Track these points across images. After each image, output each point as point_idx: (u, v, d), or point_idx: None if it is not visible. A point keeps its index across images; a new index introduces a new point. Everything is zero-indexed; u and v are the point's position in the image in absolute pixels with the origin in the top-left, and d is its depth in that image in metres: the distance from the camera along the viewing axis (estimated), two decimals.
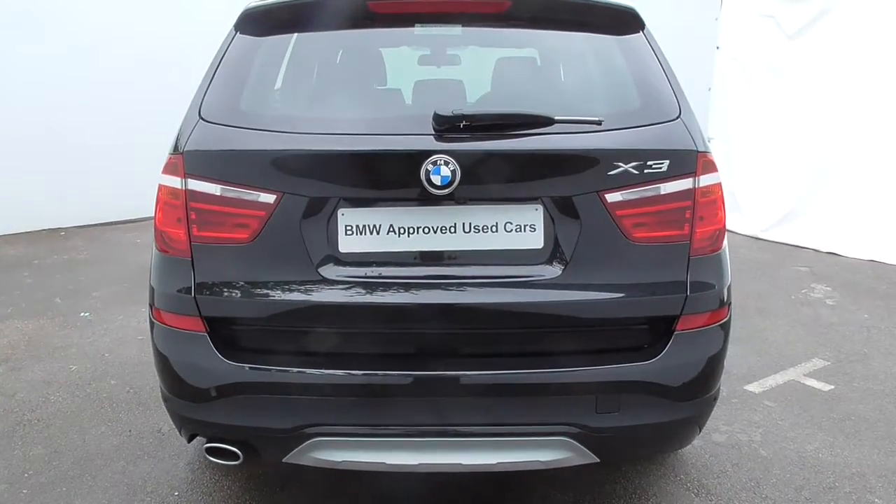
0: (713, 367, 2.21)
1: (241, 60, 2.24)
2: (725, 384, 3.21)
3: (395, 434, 2.15)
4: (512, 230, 2.08)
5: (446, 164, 1.97)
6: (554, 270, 2.08)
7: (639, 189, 2.06)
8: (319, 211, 2.06)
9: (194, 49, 3.86)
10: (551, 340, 2.15)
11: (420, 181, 1.98)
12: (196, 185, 2.06)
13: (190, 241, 2.08)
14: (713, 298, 2.18)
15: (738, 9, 7.01)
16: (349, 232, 2.07)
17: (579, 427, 2.09)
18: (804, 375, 3.80)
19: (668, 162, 2.06)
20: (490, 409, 2.13)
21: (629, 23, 2.32)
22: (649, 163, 2.05)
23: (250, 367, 2.08)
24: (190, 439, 2.40)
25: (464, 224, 2.08)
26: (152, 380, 2.66)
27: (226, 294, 2.10)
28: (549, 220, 2.08)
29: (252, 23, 2.29)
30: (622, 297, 2.10)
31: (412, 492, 2.67)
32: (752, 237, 6.83)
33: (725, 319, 2.22)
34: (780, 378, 3.76)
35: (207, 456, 2.25)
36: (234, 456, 2.18)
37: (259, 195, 2.04)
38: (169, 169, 2.11)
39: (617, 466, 2.85)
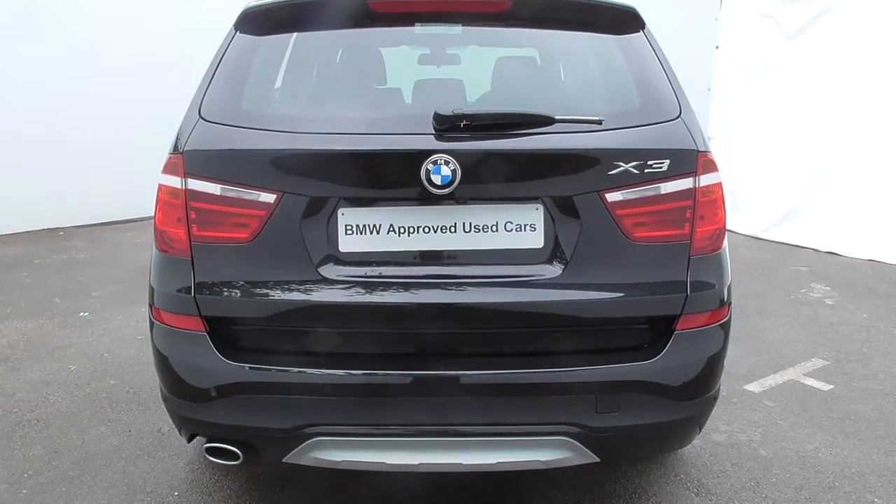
0: (713, 366, 2.21)
1: (241, 60, 2.24)
2: (725, 384, 3.21)
3: (395, 434, 2.15)
4: (512, 230, 2.08)
5: (446, 163, 1.97)
6: (554, 270, 2.08)
7: (639, 189, 2.06)
8: (319, 210, 2.06)
9: (194, 49, 3.85)
10: (551, 340, 2.15)
11: (420, 181, 1.98)
12: (196, 184, 2.05)
13: (190, 241, 2.08)
14: (713, 298, 2.18)
15: (738, 9, 7.01)
16: (349, 231, 2.07)
17: (579, 427, 2.09)
18: (804, 375, 3.80)
19: (668, 161, 2.06)
20: (490, 409, 2.13)
21: (629, 22, 2.32)
22: (649, 162, 2.05)
23: (250, 367, 2.08)
24: (190, 439, 2.40)
25: (464, 224, 2.07)
26: (152, 380, 2.66)
27: (226, 294, 2.10)
28: (550, 220, 2.08)
29: (252, 22, 2.29)
30: (622, 296, 2.10)
31: (412, 492, 2.67)
32: (751, 237, 6.84)
33: (725, 319, 2.22)
34: (780, 378, 3.76)
35: (207, 456, 2.24)
36: (234, 456, 2.18)
37: (259, 195, 2.04)
38: (169, 168, 2.11)
39: (617, 466, 2.85)
